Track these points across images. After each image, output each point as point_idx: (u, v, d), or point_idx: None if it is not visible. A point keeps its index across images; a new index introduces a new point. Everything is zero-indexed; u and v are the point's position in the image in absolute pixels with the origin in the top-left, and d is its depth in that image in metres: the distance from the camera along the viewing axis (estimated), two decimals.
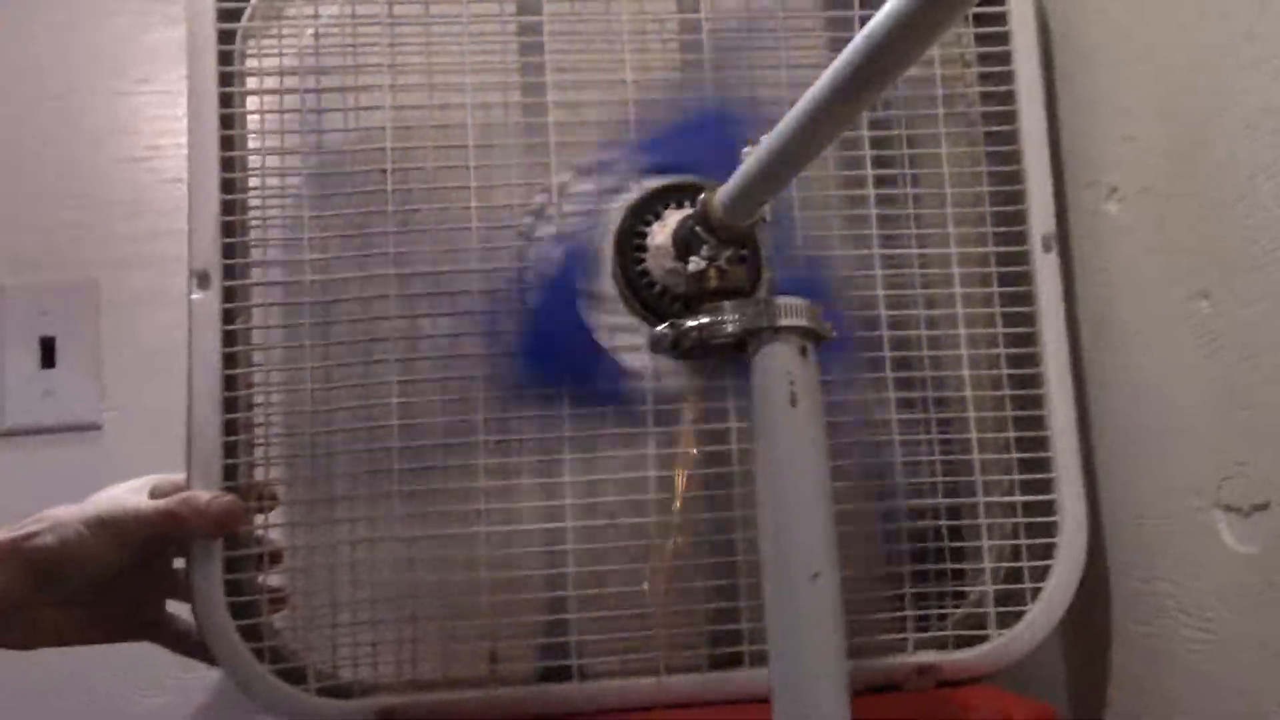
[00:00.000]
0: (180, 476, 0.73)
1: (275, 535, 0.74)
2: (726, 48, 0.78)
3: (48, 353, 0.98)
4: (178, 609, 0.75)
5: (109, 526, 0.69)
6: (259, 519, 0.73)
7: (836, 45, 0.78)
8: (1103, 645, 0.79)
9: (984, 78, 0.81)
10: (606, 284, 0.73)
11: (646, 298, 0.72)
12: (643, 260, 0.72)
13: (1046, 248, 0.78)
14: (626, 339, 0.73)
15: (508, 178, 0.75)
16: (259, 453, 0.74)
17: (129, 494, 0.72)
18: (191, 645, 0.75)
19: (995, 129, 0.80)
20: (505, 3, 0.77)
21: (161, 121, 1.01)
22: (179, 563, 0.76)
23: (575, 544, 0.73)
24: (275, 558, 0.74)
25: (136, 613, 0.75)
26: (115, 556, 0.69)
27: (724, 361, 0.66)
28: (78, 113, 1.02)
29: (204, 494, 0.71)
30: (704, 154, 0.74)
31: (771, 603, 0.60)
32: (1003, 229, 0.79)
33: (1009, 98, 0.80)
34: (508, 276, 0.74)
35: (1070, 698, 0.83)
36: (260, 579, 0.73)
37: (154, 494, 0.73)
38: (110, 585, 0.70)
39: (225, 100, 0.75)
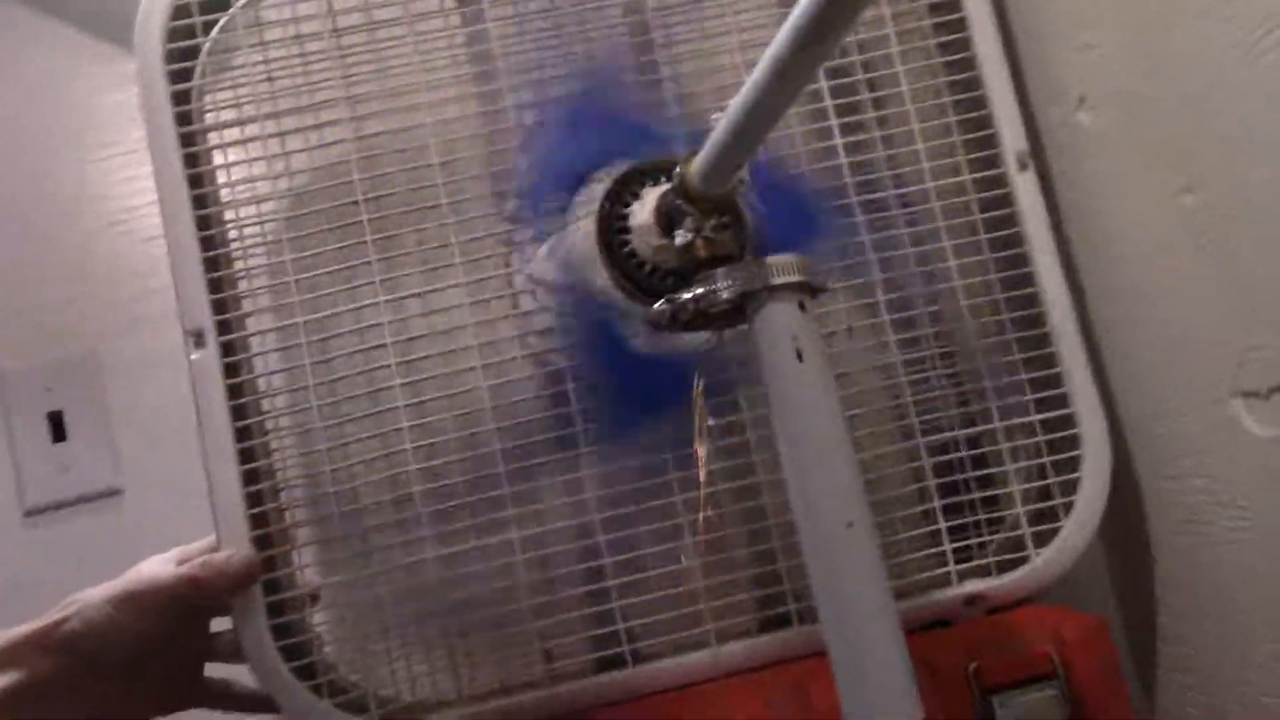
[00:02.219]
0: (206, 541, 0.74)
1: (313, 572, 0.74)
2: (673, 22, 0.78)
3: (57, 427, 0.98)
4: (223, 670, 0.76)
5: (134, 600, 0.69)
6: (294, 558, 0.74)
7: (786, 3, 0.79)
8: (1144, 550, 0.79)
9: (934, 8, 0.81)
10: (596, 272, 0.73)
11: (638, 279, 0.72)
12: (628, 243, 0.72)
13: (1022, 166, 0.79)
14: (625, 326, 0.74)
15: (479, 188, 0.75)
16: (283, 497, 0.74)
17: (158, 565, 0.73)
18: (239, 699, 0.75)
19: (952, 57, 0.80)
20: (449, 16, 0.77)
21: (133, 182, 1.01)
22: (218, 624, 0.76)
23: (606, 534, 0.73)
24: (317, 596, 0.74)
25: (178, 682, 0.76)
26: (145, 629, 0.70)
27: (723, 330, 0.66)
28: (50, 187, 1.02)
29: (221, 553, 0.71)
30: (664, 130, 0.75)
31: (811, 558, 0.61)
32: (976, 155, 0.79)
33: (960, 24, 0.80)
34: (495, 286, 0.74)
35: (1122, 607, 0.84)
36: (306, 615, 0.73)
37: (181, 562, 0.73)
38: (147, 658, 0.71)
39: (191, 160, 0.75)
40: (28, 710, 0.68)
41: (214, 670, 0.78)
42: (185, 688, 0.76)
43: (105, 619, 0.69)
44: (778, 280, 0.62)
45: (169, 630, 0.71)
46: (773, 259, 0.63)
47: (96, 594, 0.70)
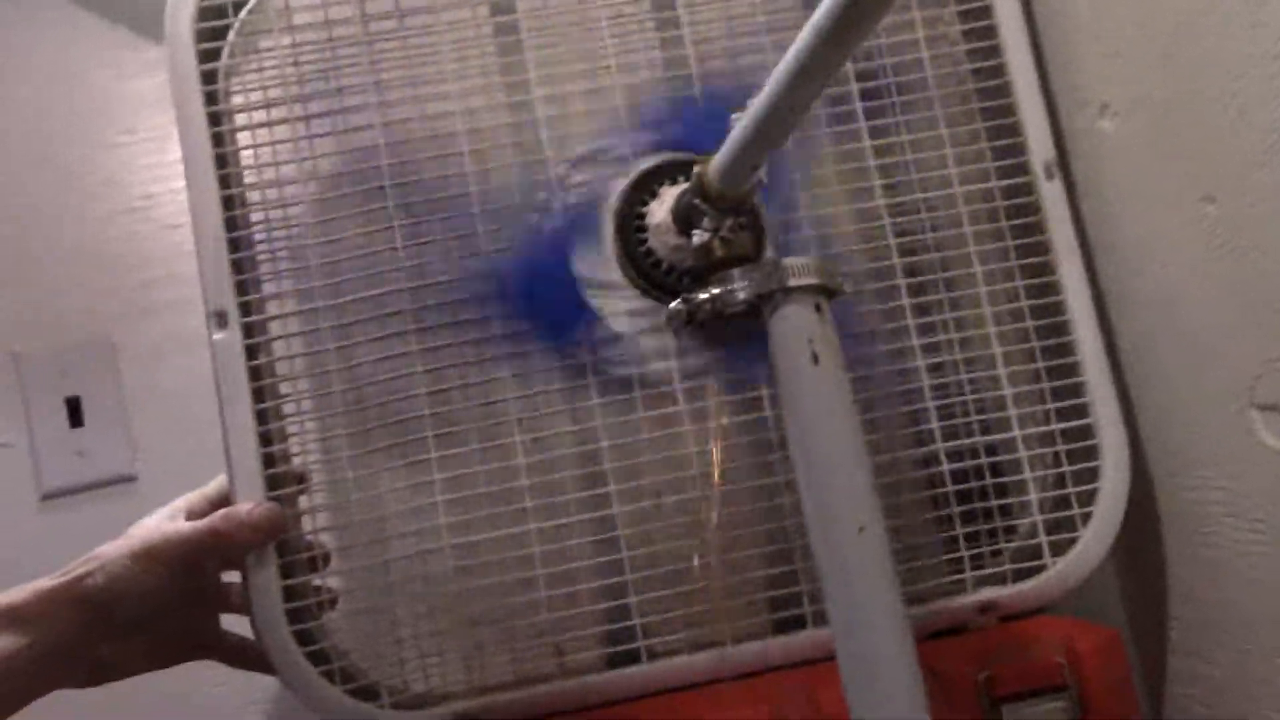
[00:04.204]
0: (204, 491, 0.75)
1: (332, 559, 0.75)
2: (702, 20, 0.78)
3: (74, 412, 0.99)
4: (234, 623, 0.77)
5: (154, 555, 0.70)
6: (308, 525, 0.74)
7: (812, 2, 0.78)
8: (1158, 562, 0.79)
9: (963, 14, 0.80)
10: (613, 270, 0.73)
11: (654, 277, 0.72)
12: (645, 240, 0.72)
13: (1049, 175, 0.78)
14: (642, 322, 0.74)
15: (506, 179, 0.75)
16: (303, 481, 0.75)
17: (165, 520, 0.73)
18: (252, 659, 0.76)
19: (981, 64, 0.79)
20: (478, 6, 0.77)
21: (152, 169, 1.02)
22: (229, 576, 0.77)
23: (624, 529, 0.73)
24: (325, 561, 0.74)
25: (193, 634, 0.76)
26: (164, 584, 0.70)
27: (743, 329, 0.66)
28: (69, 172, 1.02)
29: (243, 505, 0.72)
30: (692, 128, 0.75)
31: (823, 561, 0.61)
32: (1003, 163, 0.78)
33: (990, 31, 0.79)
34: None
35: (1132, 618, 0.83)
36: (320, 604, 0.73)
37: (189, 515, 0.74)
38: (163, 612, 0.71)
39: (217, 140, 0.75)
40: (52, 665, 0.68)
41: (232, 625, 0.78)
42: (200, 639, 0.77)
43: (128, 573, 0.69)
44: (794, 282, 0.62)
45: (183, 584, 0.71)
46: (790, 260, 0.63)
47: (114, 549, 0.70)
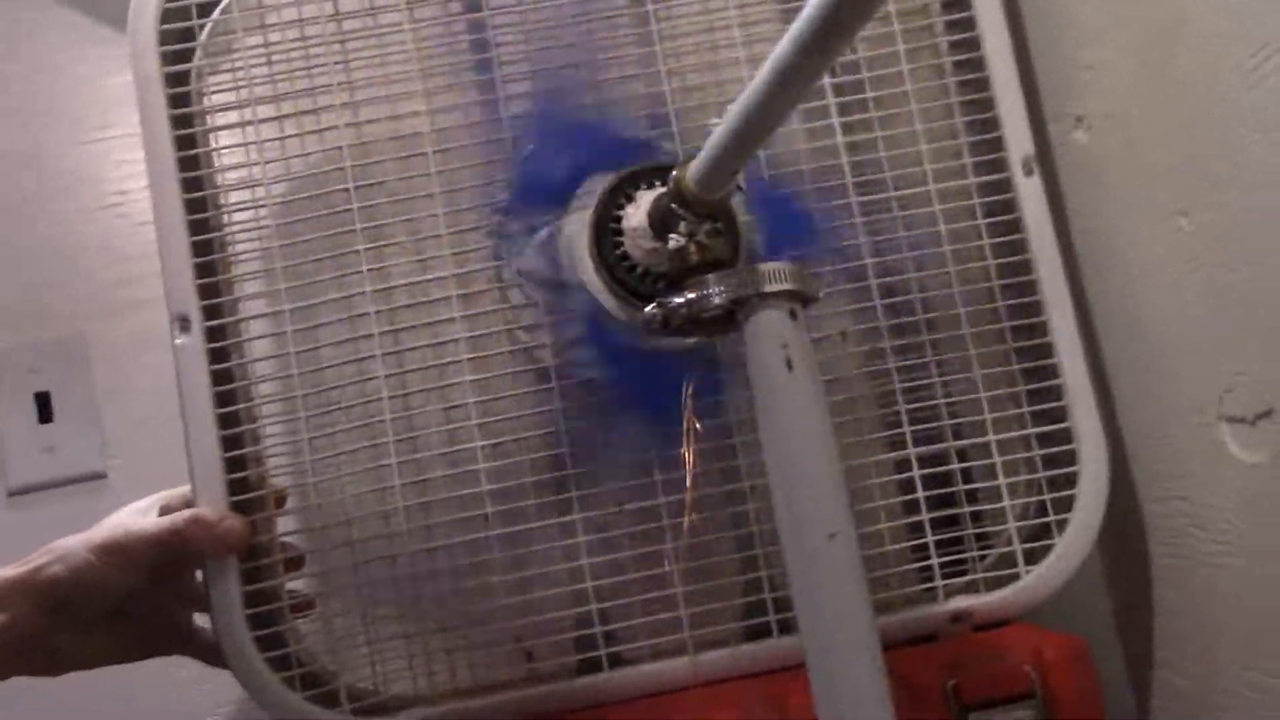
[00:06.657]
0: (186, 488, 0.74)
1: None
2: (675, 16, 0.77)
3: (44, 408, 0.98)
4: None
5: (117, 552, 0.69)
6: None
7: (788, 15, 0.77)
8: (1138, 572, 0.78)
9: (943, 6, 0.79)
10: (587, 272, 0.72)
11: (628, 281, 0.71)
12: (620, 245, 0.71)
13: (1028, 171, 0.77)
14: (614, 324, 0.73)
15: (472, 179, 0.74)
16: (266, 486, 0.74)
17: (137, 515, 0.72)
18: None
19: (960, 57, 0.78)
20: (450, 2, 0.76)
21: (128, 165, 1.01)
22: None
23: (586, 534, 0.72)
24: (292, 565, 0.74)
25: (163, 629, 0.76)
26: (127, 580, 0.69)
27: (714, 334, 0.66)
28: (44, 167, 1.02)
29: (212, 513, 0.71)
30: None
31: (793, 568, 0.60)
32: (981, 158, 0.77)
33: (969, 23, 0.78)
34: (484, 279, 0.74)
35: (1118, 630, 0.83)
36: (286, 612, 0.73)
37: (164, 511, 0.73)
38: (129, 606, 0.71)
39: (184, 142, 0.74)
40: (9, 653, 0.68)
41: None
42: (167, 636, 0.76)
43: (88, 567, 0.68)
44: (770, 288, 0.62)
45: (149, 580, 0.71)
46: (765, 266, 0.62)
47: (76, 542, 0.69)
